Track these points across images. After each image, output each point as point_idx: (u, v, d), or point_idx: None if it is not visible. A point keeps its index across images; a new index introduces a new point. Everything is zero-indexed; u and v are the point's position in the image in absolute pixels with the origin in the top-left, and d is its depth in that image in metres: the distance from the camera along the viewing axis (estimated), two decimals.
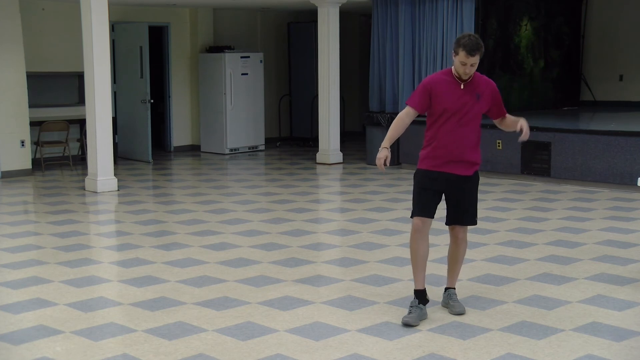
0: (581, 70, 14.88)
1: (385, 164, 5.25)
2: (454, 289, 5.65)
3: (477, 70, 5.38)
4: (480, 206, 9.24)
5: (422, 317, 5.39)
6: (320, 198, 10.56)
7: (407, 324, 5.29)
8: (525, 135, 5.34)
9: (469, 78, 5.32)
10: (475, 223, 5.55)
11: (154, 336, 5.14)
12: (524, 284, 6.25)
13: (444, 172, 5.33)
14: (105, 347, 4.96)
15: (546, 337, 5.07)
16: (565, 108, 14.38)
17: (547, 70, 14.19)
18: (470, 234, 7.88)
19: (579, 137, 10.74)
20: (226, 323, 5.38)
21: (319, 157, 13.40)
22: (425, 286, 5.49)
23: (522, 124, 5.35)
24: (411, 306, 5.43)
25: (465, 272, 6.53)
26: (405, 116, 5.38)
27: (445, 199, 5.46)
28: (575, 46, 14.80)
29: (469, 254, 7.13)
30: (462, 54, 5.19)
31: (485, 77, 5.48)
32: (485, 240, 7.70)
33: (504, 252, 7.25)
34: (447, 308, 5.58)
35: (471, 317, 5.45)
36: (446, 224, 5.55)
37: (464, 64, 5.22)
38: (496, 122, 5.60)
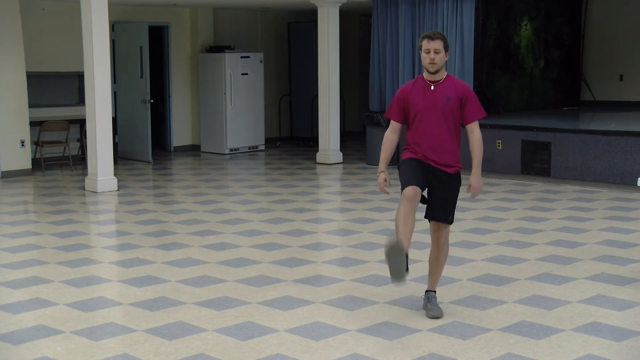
0: (581, 70, 14.88)
1: (386, 186, 5.44)
2: (435, 292, 5.60)
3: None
4: (480, 206, 9.31)
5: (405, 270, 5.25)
6: (320, 198, 10.56)
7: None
8: (473, 195, 5.44)
9: (440, 80, 5.38)
10: (450, 222, 5.50)
11: (154, 336, 5.14)
12: (524, 284, 6.25)
13: (428, 163, 5.38)
14: (105, 347, 4.96)
15: (546, 337, 5.07)
16: (565, 108, 14.38)
17: (547, 70, 14.19)
18: (470, 233, 7.90)
19: (579, 137, 10.74)
20: (226, 323, 5.38)
21: (319, 157, 13.40)
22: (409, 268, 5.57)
23: (471, 183, 5.38)
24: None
25: (465, 272, 6.54)
26: (391, 133, 5.56)
27: (428, 190, 5.46)
28: (575, 46, 14.81)
29: (469, 254, 7.13)
30: (423, 42, 5.35)
31: (461, 82, 5.54)
32: (485, 240, 7.70)
33: (504, 252, 7.25)
34: (424, 311, 5.53)
35: (471, 317, 5.45)
36: (425, 216, 5.51)
37: (427, 52, 5.33)
38: (469, 138, 5.46)
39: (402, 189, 5.29)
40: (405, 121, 5.51)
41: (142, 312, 5.63)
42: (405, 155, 5.50)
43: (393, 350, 4.87)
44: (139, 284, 6.35)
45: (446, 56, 5.37)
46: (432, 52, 5.30)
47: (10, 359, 4.83)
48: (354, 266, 6.82)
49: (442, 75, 5.40)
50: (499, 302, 5.77)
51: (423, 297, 5.64)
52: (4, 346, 5.00)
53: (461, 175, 5.46)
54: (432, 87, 5.39)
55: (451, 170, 5.39)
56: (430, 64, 5.32)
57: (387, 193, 5.51)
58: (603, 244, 7.49)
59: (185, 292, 6.11)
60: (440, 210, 5.44)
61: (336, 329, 5.25)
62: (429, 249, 7.21)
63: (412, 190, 5.21)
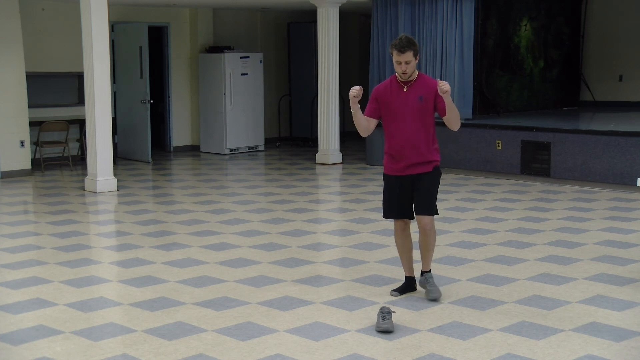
0: (581, 71, 14.88)
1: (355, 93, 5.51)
2: (430, 271, 5.89)
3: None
4: (480, 206, 9.31)
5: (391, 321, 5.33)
6: (320, 198, 10.56)
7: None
8: (443, 89, 5.36)
9: (411, 80, 5.63)
10: (436, 213, 5.80)
11: (154, 336, 5.14)
12: (524, 284, 6.25)
13: (407, 175, 5.68)
14: (105, 347, 4.96)
15: (546, 337, 5.07)
16: (565, 108, 14.38)
17: (547, 70, 14.19)
18: (470, 233, 7.90)
19: (579, 137, 10.74)
20: (226, 323, 5.38)
21: (319, 157, 13.40)
22: (415, 275, 5.99)
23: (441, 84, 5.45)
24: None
25: (465, 272, 6.54)
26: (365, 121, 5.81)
27: (413, 194, 5.77)
28: (575, 46, 14.80)
29: (469, 254, 7.13)
30: (394, 54, 5.53)
31: (432, 79, 5.76)
32: (485, 240, 7.70)
33: (504, 252, 7.25)
34: (424, 289, 5.84)
35: (471, 317, 5.45)
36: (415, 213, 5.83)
37: (399, 63, 5.55)
38: (444, 120, 5.70)
39: (385, 212, 5.88)
40: (379, 117, 5.76)
41: (142, 312, 5.63)
42: (385, 165, 5.80)
43: (393, 350, 4.87)
44: (139, 284, 6.34)
45: (416, 60, 5.58)
46: (403, 64, 5.53)
47: (10, 359, 4.83)
48: (354, 266, 6.82)
49: (414, 76, 5.66)
50: (499, 302, 5.77)
51: (420, 277, 5.93)
52: (4, 346, 5.00)
53: (440, 170, 5.79)
54: (405, 89, 5.64)
55: (429, 167, 5.70)
56: (403, 73, 5.58)
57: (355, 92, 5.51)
58: (603, 244, 7.49)
59: (185, 292, 6.11)
60: (424, 206, 5.75)
61: (336, 329, 5.25)
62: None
63: (401, 222, 5.83)
